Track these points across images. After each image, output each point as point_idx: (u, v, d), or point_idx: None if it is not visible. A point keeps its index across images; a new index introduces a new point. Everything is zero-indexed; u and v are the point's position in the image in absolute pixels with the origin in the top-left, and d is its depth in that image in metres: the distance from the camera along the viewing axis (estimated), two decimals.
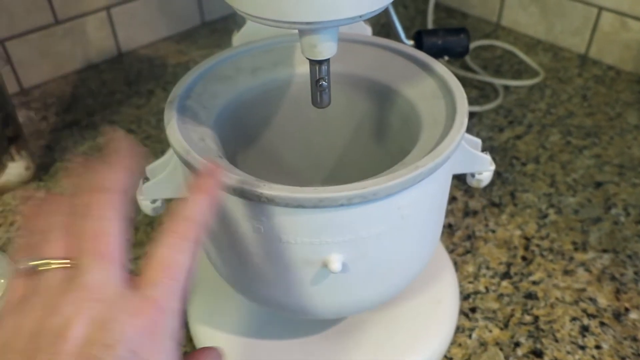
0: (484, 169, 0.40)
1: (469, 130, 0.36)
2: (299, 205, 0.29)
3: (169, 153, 0.38)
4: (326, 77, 0.33)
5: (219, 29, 0.88)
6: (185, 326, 0.45)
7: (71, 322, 0.22)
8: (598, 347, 0.44)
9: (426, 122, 0.36)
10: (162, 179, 0.37)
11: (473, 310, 0.47)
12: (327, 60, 0.32)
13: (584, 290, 0.48)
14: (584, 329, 0.45)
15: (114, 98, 0.74)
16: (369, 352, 0.41)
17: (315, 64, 0.32)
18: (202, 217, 0.26)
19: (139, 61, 0.81)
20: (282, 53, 0.42)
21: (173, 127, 0.34)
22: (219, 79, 0.40)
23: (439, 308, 0.45)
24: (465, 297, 0.48)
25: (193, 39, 0.86)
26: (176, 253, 0.24)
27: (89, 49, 0.79)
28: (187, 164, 0.32)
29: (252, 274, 0.35)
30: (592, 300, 0.48)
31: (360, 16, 0.28)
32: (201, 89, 0.39)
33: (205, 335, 0.43)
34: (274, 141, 0.45)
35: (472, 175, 0.41)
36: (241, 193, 0.30)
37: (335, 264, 0.32)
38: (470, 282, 0.49)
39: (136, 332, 0.22)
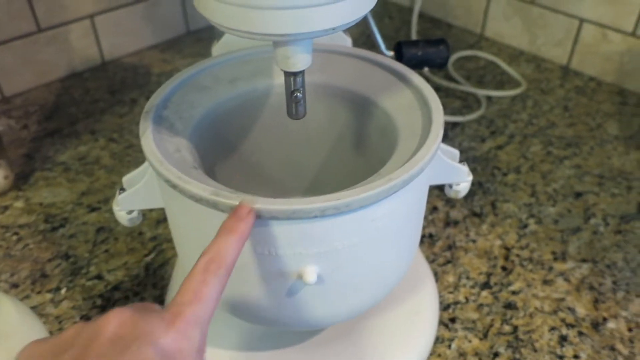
0: (461, 180, 0.40)
1: (451, 140, 0.36)
2: (272, 217, 0.29)
3: (145, 164, 0.38)
4: (301, 89, 0.33)
5: (204, 38, 0.88)
6: None
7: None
8: (576, 356, 0.44)
9: (403, 133, 0.37)
10: (138, 190, 0.37)
11: (453, 320, 0.47)
12: (302, 72, 0.32)
13: (562, 299, 0.49)
14: (563, 339, 0.46)
15: (97, 106, 0.73)
16: None
17: (289, 75, 0.32)
18: (230, 258, 0.28)
19: (123, 70, 0.81)
20: (261, 63, 0.43)
21: (148, 138, 0.34)
22: (197, 89, 0.40)
23: (418, 318, 0.45)
24: (445, 307, 0.48)
25: (178, 47, 0.86)
26: (201, 285, 0.26)
27: (72, 57, 0.79)
28: (160, 175, 0.32)
29: (227, 286, 0.34)
30: (571, 309, 0.48)
31: (333, 29, 0.28)
32: (179, 99, 0.39)
33: None
34: (253, 152, 0.45)
35: (450, 186, 0.41)
36: (214, 204, 0.30)
37: (311, 275, 0.32)
38: (450, 292, 0.49)
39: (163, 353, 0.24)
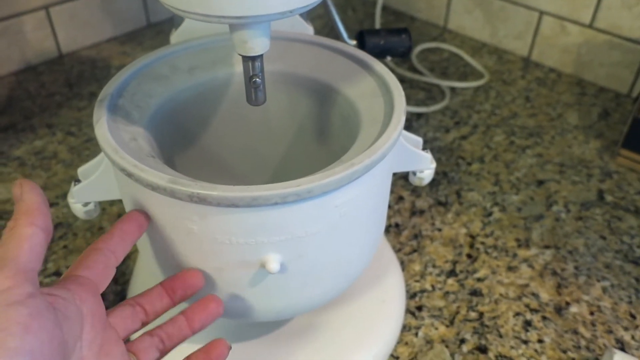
0: (424, 167, 0.40)
1: (415, 131, 0.36)
2: (232, 204, 0.29)
3: (101, 154, 0.37)
4: (260, 74, 0.32)
5: (165, 30, 0.86)
6: None
7: None
8: (540, 341, 0.45)
9: (365, 121, 0.36)
10: (93, 181, 0.36)
11: (419, 308, 0.47)
12: (260, 56, 0.31)
13: (527, 285, 0.49)
14: (527, 324, 0.46)
15: (54, 100, 0.71)
16: (313, 354, 0.41)
17: (247, 60, 0.31)
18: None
19: (80, 63, 0.79)
20: (221, 52, 0.42)
21: (102, 127, 0.33)
22: (154, 77, 0.39)
23: (384, 307, 0.45)
24: (411, 295, 0.48)
25: (138, 40, 0.84)
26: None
27: (26, 50, 0.76)
28: (115, 164, 0.30)
29: None
30: (535, 295, 0.49)
31: (291, 11, 0.28)
32: (135, 88, 0.38)
33: None
34: (214, 143, 0.44)
35: (414, 173, 0.41)
36: (172, 192, 0.29)
37: (273, 264, 0.31)
38: (416, 281, 0.49)
39: None
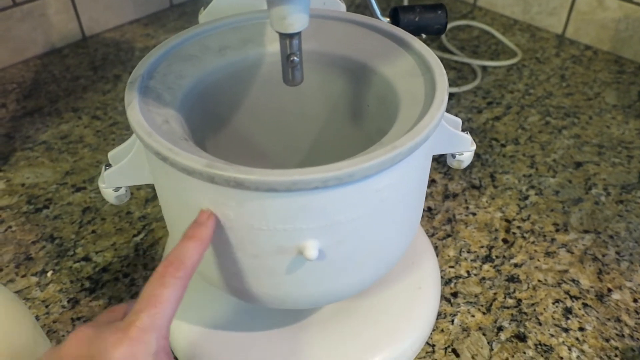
0: (464, 149, 0.39)
1: (447, 112, 0.35)
2: (270, 188, 0.27)
3: (132, 138, 0.36)
4: (297, 53, 0.30)
5: (188, 12, 0.85)
6: None
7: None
8: (582, 329, 0.43)
9: (404, 101, 0.35)
10: (124, 166, 0.35)
11: (455, 295, 0.46)
12: (298, 33, 0.30)
13: (566, 271, 0.48)
14: (567, 311, 0.45)
15: (79, 84, 0.70)
16: (347, 341, 0.40)
17: (285, 38, 0.30)
18: (189, 261, 0.28)
19: (104, 45, 0.78)
20: (252, 30, 0.40)
21: (134, 109, 0.32)
22: (184, 58, 0.38)
23: (419, 294, 0.43)
24: (446, 282, 0.47)
25: (161, 22, 0.83)
26: (159, 288, 0.27)
27: (50, 33, 0.75)
28: (149, 147, 0.29)
29: (222, 263, 0.33)
30: (575, 281, 0.47)
31: None
32: (165, 69, 0.37)
33: (176, 329, 0.41)
34: (246, 124, 0.43)
35: (453, 155, 0.39)
36: (208, 177, 0.28)
37: (311, 251, 0.30)
38: (451, 267, 0.48)
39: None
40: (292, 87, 0.35)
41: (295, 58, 0.30)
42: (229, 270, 0.33)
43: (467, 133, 0.38)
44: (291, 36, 0.30)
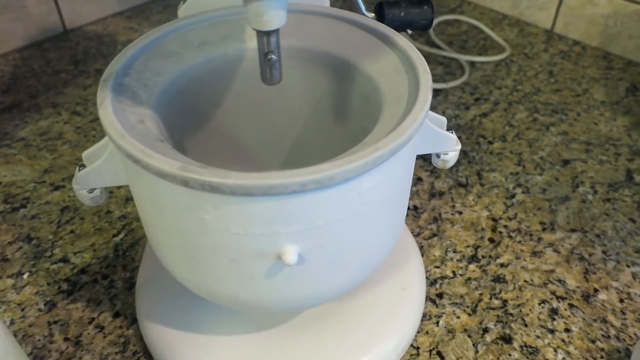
0: (449, 149, 0.38)
1: (434, 108, 0.34)
2: (247, 193, 0.26)
3: (106, 138, 0.34)
4: (275, 51, 0.29)
5: (173, 4, 0.83)
6: (135, 322, 0.42)
7: None
8: (568, 330, 0.43)
9: (388, 100, 0.34)
10: (98, 167, 0.34)
11: (440, 296, 0.45)
12: (276, 31, 0.29)
13: (552, 271, 0.47)
14: (553, 312, 0.44)
15: (59, 78, 0.69)
16: (330, 344, 0.39)
17: (263, 35, 0.29)
18: None
19: (86, 39, 0.76)
20: (232, 26, 0.39)
21: (106, 109, 0.30)
22: (162, 54, 0.37)
23: (404, 295, 0.43)
24: (431, 282, 0.46)
25: (145, 14, 0.81)
26: None
27: (30, 26, 0.73)
28: (121, 149, 0.28)
29: (200, 268, 0.32)
30: (561, 281, 0.46)
31: None
32: (141, 66, 0.35)
33: (156, 333, 0.40)
34: (227, 122, 0.42)
35: (437, 155, 0.39)
36: (182, 180, 0.27)
37: (290, 256, 0.29)
38: (437, 267, 0.47)
39: None
40: (274, 85, 0.34)
41: (273, 56, 0.29)
42: (207, 275, 0.32)
43: (452, 132, 0.38)
44: (268, 34, 0.29)
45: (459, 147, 0.38)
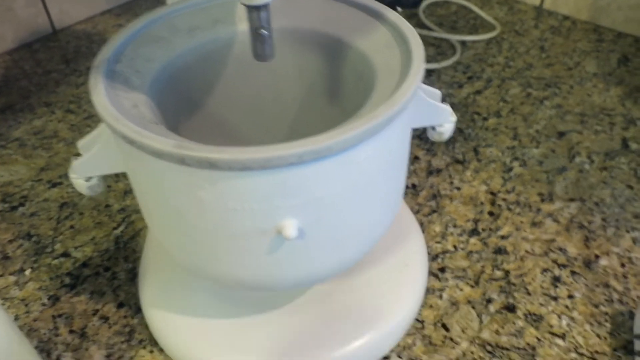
0: (444, 121, 0.38)
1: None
2: (244, 167, 0.27)
3: (102, 125, 0.34)
4: (266, 26, 0.29)
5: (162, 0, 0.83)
6: (139, 311, 0.42)
7: None
8: (571, 296, 0.43)
9: (381, 74, 0.34)
10: (95, 154, 0.34)
11: (442, 270, 0.45)
12: (266, 5, 0.29)
13: (553, 240, 0.47)
14: (556, 280, 0.44)
15: (51, 78, 0.68)
16: (336, 322, 0.39)
17: (253, 10, 0.29)
18: None
19: (75, 38, 0.76)
20: (222, 10, 0.39)
21: (100, 94, 0.30)
22: (152, 40, 0.37)
23: (407, 271, 0.43)
24: (433, 257, 0.46)
25: (133, 11, 0.81)
26: None
27: (19, 28, 0.73)
28: (116, 132, 0.28)
29: (201, 248, 0.32)
30: (562, 250, 0.47)
31: None
32: (132, 53, 0.35)
33: (160, 320, 0.40)
34: (220, 107, 0.42)
35: (433, 128, 0.39)
36: (178, 158, 0.27)
37: (290, 229, 0.29)
38: (438, 242, 0.48)
39: None
40: (267, 68, 0.34)
41: (264, 31, 0.29)
42: (207, 254, 0.32)
43: (446, 104, 0.38)
44: (258, 8, 0.29)
45: (454, 118, 0.38)
